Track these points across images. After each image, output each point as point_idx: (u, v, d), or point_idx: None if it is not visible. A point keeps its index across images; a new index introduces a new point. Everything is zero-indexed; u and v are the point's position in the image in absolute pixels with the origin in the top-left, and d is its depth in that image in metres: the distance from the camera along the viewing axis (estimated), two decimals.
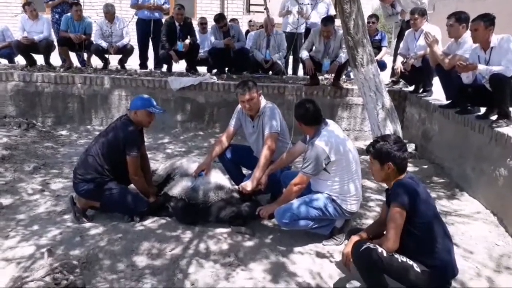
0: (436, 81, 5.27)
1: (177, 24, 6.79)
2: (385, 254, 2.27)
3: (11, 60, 7.40)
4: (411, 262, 2.27)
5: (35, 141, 5.26)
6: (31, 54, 6.88)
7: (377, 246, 2.30)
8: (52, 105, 6.26)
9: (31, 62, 6.85)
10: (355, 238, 2.51)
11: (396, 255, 2.29)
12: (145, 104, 3.37)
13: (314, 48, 6.23)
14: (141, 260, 2.80)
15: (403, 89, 6.19)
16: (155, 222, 3.36)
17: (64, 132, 5.95)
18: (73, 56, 7.24)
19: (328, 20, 6.03)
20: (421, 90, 5.75)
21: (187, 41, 6.79)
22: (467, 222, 3.51)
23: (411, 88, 6.07)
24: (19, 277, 2.53)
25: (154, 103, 3.44)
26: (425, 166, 4.81)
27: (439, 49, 4.69)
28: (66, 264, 2.56)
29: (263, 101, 3.61)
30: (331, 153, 2.91)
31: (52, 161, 4.68)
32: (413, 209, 2.27)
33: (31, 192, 3.80)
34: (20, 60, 7.31)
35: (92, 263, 2.72)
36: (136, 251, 2.90)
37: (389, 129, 4.82)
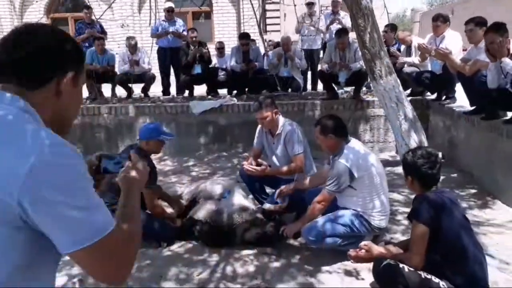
0: (459, 87, 5.16)
1: (191, 47, 6.94)
2: (407, 270, 2.21)
3: None
4: (437, 280, 2.19)
5: None
6: None
7: (398, 263, 2.25)
8: (81, 135, 6.46)
9: None
10: (379, 248, 2.49)
11: (420, 272, 2.22)
12: (155, 133, 3.43)
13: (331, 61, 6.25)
14: (169, 286, 2.81)
15: (425, 97, 6.10)
16: (182, 246, 3.38)
17: None
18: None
19: (342, 32, 6.10)
20: (443, 98, 5.64)
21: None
22: (502, 232, 3.37)
23: (434, 96, 5.96)
24: None
25: (163, 129, 3.52)
26: (454, 175, 4.68)
27: (455, 58, 4.61)
28: None
29: (281, 119, 3.64)
30: (354, 170, 2.89)
31: None
32: (437, 225, 2.20)
33: None
34: None
35: None
36: (164, 277, 2.92)
37: (413, 139, 4.71)
